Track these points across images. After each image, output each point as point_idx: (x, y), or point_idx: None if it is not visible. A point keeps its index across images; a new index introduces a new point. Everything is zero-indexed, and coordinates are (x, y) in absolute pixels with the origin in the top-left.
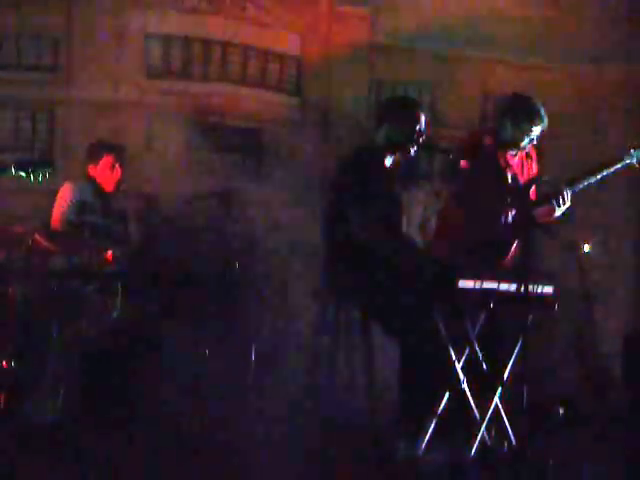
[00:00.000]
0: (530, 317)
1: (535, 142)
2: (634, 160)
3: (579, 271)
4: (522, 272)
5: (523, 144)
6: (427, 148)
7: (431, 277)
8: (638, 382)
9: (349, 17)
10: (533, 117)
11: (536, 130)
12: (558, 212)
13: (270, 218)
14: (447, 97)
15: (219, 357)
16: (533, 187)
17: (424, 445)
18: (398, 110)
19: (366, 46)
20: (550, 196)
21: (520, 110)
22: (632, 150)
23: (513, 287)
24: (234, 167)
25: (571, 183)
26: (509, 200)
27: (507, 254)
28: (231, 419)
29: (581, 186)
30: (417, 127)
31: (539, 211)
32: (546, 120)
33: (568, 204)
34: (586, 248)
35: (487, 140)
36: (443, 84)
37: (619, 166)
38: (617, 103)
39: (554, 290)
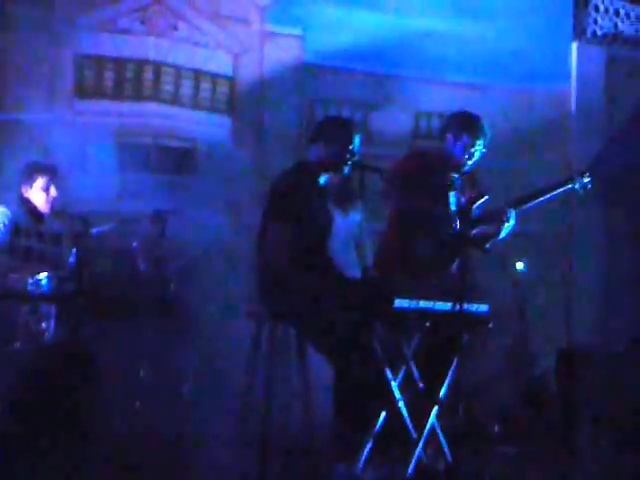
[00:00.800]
0: (465, 335)
1: (475, 158)
2: (577, 186)
3: (513, 288)
4: (458, 291)
5: (465, 159)
6: (360, 167)
7: (367, 296)
8: (571, 397)
9: (282, 37)
10: (474, 131)
11: (478, 145)
12: (503, 232)
13: (204, 238)
14: (380, 116)
15: (156, 377)
16: (473, 207)
17: (361, 464)
18: (331, 129)
19: (299, 66)
20: (494, 215)
21: (460, 124)
22: (577, 176)
23: (449, 306)
24: (167, 188)
25: (515, 204)
26: (449, 219)
27: (444, 272)
28: (167, 437)
29: (524, 207)
30: (350, 146)
31: (483, 231)
32: (488, 135)
33: (512, 223)
34: (519, 265)
35: (427, 159)
36: (376, 103)
37: (562, 190)
38: (552, 122)
39: (489, 308)
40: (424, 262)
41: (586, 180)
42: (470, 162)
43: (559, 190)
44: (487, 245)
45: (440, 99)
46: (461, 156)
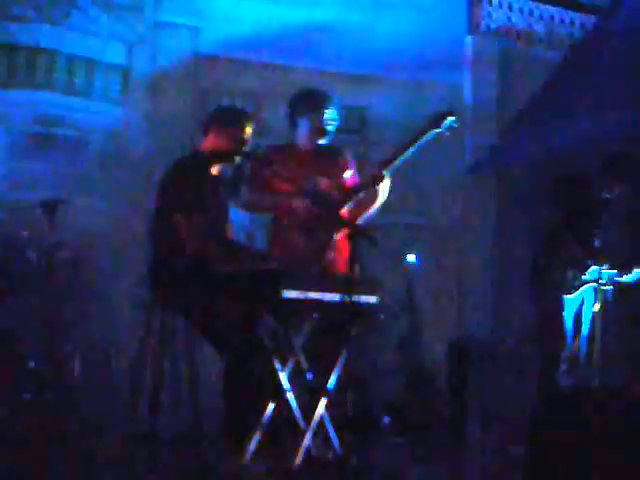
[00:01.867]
0: (354, 327)
1: (330, 132)
2: (442, 130)
3: (404, 280)
4: (347, 282)
5: (315, 137)
6: (252, 157)
7: (255, 287)
8: (460, 389)
9: (176, 27)
10: (315, 103)
11: (328, 119)
12: (380, 195)
13: (95, 227)
14: (273, 107)
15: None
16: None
17: (249, 455)
18: (223, 119)
19: (193, 56)
20: (367, 180)
21: (301, 100)
22: (440, 119)
23: (337, 297)
24: (59, 177)
25: (385, 163)
26: (310, 201)
27: (320, 257)
28: (55, 423)
29: (396, 163)
30: (242, 136)
31: (361, 200)
32: (334, 106)
33: (387, 184)
34: (410, 257)
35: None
36: (269, 94)
37: (428, 137)
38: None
39: (378, 300)
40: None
41: (450, 120)
42: (323, 139)
43: (425, 138)
44: (371, 235)
45: (333, 90)
46: (310, 134)
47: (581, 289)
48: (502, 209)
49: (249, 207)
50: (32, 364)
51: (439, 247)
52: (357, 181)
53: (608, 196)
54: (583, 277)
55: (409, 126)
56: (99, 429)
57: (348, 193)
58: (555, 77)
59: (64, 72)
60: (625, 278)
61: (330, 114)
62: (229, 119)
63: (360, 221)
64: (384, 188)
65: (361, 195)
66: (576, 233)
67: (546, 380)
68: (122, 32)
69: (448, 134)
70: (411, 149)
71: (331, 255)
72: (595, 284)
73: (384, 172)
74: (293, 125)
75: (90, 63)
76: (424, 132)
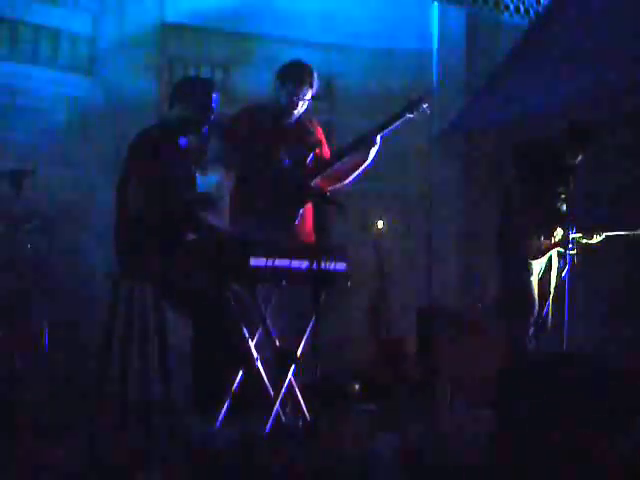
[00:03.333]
0: (323, 293)
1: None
2: (414, 115)
3: (373, 246)
4: (315, 250)
5: (291, 107)
6: (219, 126)
7: (223, 255)
8: (429, 355)
9: None
10: (297, 77)
11: (303, 93)
12: (370, 157)
13: (61, 198)
14: (241, 76)
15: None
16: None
17: (218, 422)
18: (189, 89)
19: (159, 25)
20: (361, 142)
21: (285, 72)
22: (414, 105)
23: (305, 264)
24: (25, 148)
25: (378, 129)
26: (284, 169)
27: (292, 222)
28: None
29: (385, 132)
30: (208, 105)
31: (352, 160)
32: (315, 83)
33: (376, 147)
34: (379, 224)
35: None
36: (237, 63)
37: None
38: (414, 81)
39: (346, 266)
40: (265, 215)
41: (423, 107)
42: (297, 110)
43: (398, 122)
44: (339, 202)
45: (301, 58)
46: (287, 104)
47: (547, 254)
48: (471, 176)
49: (219, 164)
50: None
51: (408, 214)
52: (327, 152)
53: (573, 162)
54: (548, 242)
55: (377, 95)
56: (68, 398)
57: (327, 161)
58: (522, 43)
59: (29, 42)
60: (591, 241)
61: (307, 93)
62: (196, 89)
63: (335, 187)
64: (374, 151)
65: (346, 160)
66: (541, 199)
67: (514, 345)
68: (87, 1)
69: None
70: (384, 131)
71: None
72: (561, 249)
73: (375, 136)
74: (277, 94)
75: (55, 33)
76: (398, 118)
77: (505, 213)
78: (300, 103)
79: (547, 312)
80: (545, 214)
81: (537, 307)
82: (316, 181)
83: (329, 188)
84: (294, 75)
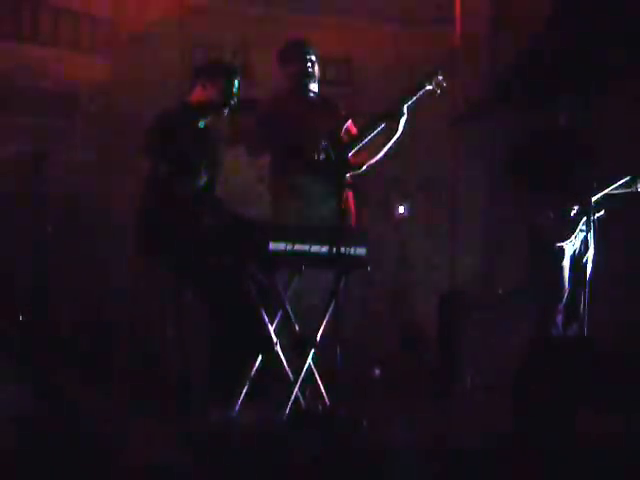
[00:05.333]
0: (343, 278)
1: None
2: (434, 85)
3: (394, 231)
4: (335, 234)
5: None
6: (239, 108)
7: (242, 239)
8: (450, 341)
9: None
10: (307, 56)
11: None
12: (401, 127)
13: (82, 181)
14: (262, 58)
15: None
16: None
17: (237, 407)
18: (211, 71)
19: (179, 7)
20: (389, 114)
21: (293, 52)
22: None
23: (325, 249)
24: (46, 131)
25: (403, 101)
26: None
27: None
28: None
29: (412, 102)
30: (230, 89)
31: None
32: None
33: (405, 117)
34: (401, 209)
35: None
36: (256, 45)
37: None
38: (436, 59)
39: (367, 251)
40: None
41: (439, 76)
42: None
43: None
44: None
45: (323, 41)
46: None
47: (573, 237)
48: (491, 162)
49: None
50: (21, 318)
51: (430, 199)
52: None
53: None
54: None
55: (397, 78)
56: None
57: (359, 134)
58: (545, 29)
59: (49, 24)
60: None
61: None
62: (216, 71)
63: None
64: (404, 121)
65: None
66: (560, 180)
67: (541, 331)
68: None
69: (439, 93)
70: (409, 101)
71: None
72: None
73: (403, 107)
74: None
75: (76, 15)
76: (418, 89)
77: (531, 199)
78: (313, 79)
79: (580, 298)
80: (564, 195)
81: (567, 293)
82: (350, 156)
83: (365, 162)
84: (299, 54)
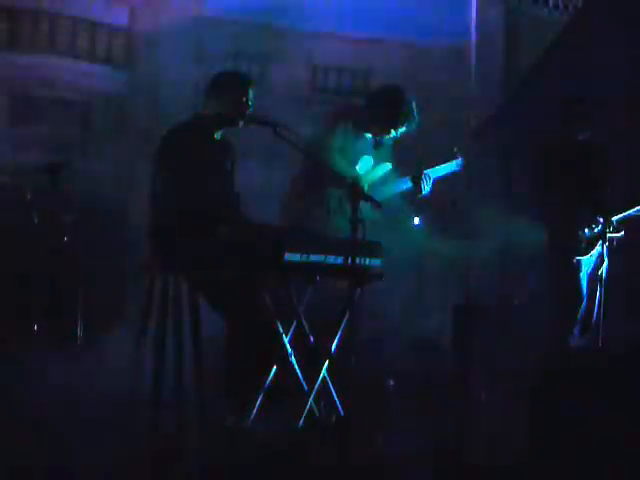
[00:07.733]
0: (357, 289)
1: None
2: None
3: (409, 244)
4: (349, 245)
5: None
6: (253, 121)
7: (257, 249)
8: (464, 349)
9: None
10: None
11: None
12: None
13: (98, 191)
14: (278, 69)
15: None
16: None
17: (252, 417)
18: (226, 82)
19: (194, 19)
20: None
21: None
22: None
23: (340, 260)
24: (63, 140)
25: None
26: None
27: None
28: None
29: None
30: (244, 99)
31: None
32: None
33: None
34: (415, 220)
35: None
36: (274, 56)
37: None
38: (451, 76)
39: (381, 262)
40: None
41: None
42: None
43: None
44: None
45: (337, 53)
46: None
47: (595, 248)
48: (507, 175)
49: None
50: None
51: (444, 212)
52: None
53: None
54: (593, 236)
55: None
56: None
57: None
58: (559, 40)
59: (67, 35)
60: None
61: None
62: (232, 83)
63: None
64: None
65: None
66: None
67: (552, 343)
68: None
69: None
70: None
71: None
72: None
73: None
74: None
75: (93, 26)
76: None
77: (552, 212)
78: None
79: (596, 311)
80: (584, 208)
81: (585, 305)
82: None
83: None
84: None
